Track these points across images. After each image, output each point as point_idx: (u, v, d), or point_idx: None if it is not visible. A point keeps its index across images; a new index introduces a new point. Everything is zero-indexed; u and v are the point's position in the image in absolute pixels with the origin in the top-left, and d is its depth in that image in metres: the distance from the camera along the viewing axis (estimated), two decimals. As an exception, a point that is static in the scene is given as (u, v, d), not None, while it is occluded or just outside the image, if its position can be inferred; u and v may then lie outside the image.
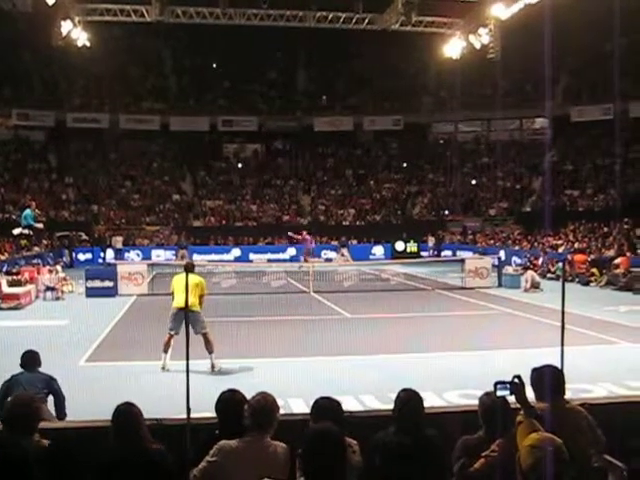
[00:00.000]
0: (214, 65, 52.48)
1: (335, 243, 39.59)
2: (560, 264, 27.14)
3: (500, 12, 32.80)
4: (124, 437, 4.50)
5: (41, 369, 7.65)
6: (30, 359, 7.67)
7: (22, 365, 7.60)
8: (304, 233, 35.08)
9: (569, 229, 36.20)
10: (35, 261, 26.25)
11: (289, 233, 36.90)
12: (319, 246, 40.02)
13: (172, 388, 7.70)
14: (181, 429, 5.22)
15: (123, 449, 4.42)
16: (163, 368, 11.71)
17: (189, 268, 12.01)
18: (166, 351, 11.85)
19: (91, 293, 22.51)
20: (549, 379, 5.09)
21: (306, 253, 34.47)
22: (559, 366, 5.64)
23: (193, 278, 11.86)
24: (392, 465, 3.71)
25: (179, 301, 11.78)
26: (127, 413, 4.62)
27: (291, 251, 39.74)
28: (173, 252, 38.09)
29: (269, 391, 4.71)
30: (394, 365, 12.36)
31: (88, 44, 35.27)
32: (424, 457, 3.86)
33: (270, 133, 50.75)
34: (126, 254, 37.48)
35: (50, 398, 7.50)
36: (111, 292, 22.75)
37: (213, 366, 11.82)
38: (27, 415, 4.73)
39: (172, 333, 11.81)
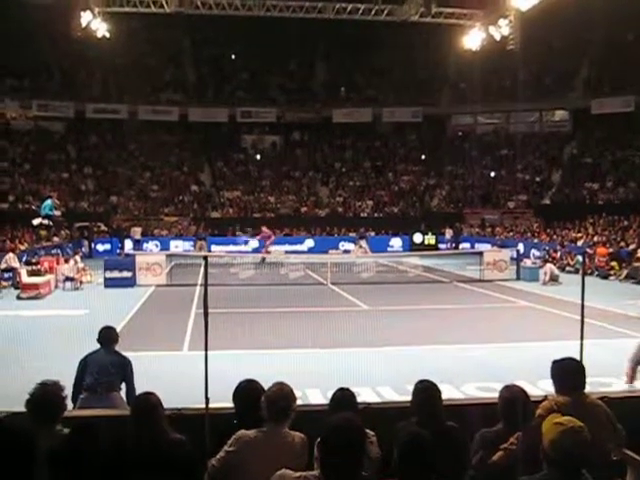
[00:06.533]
0: (233, 56, 52.43)
1: (353, 235, 39.60)
2: (579, 257, 26.94)
3: (520, 3, 32.49)
4: (143, 426, 4.51)
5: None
6: (107, 335, 7.35)
7: (99, 341, 7.31)
8: (264, 229, 34.80)
9: (589, 222, 35.96)
10: (54, 251, 26.51)
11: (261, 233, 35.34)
12: (337, 237, 40.50)
13: (191, 378, 7.70)
14: (200, 419, 5.24)
15: (142, 438, 4.43)
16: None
17: None
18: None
19: (110, 283, 22.70)
20: (569, 372, 5.07)
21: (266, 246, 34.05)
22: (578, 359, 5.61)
23: None
24: (411, 456, 3.68)
25: None
26: (146, 403, 4.63)
27: (309, 242, 39.69)
28: (191, 243, 38.33)
29: (286, 382, 4.71)
30: (411, 357, 12.36)
31: (107, 35, 35.29)
32: (444, 449, 3.83)
33: (289, 124, 50.71)
34: (144, 245, 37.70)
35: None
36: (130, 282, 22.90)
37: None
38: (51, 405, 4.73)
39: None
